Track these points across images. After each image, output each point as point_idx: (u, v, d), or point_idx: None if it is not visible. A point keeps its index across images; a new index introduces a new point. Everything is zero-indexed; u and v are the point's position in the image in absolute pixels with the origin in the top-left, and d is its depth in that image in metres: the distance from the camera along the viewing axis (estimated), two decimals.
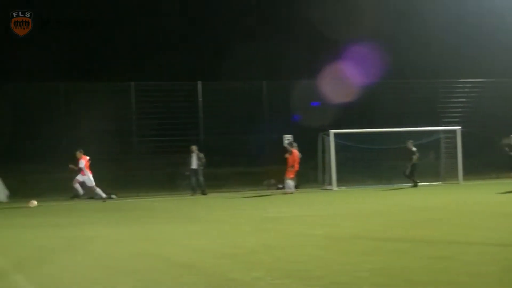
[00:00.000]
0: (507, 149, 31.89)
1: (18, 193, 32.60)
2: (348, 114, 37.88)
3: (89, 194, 30.51)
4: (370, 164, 35.16)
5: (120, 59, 51.81)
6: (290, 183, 31.69)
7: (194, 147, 33.23)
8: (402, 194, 28.22)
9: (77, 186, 30.15)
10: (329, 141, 33.66)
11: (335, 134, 33.69)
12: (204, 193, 32.52)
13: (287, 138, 34.71)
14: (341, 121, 36.10)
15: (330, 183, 33.70)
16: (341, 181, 33.93)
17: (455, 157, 34.89)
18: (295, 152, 31.87)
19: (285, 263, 10.48)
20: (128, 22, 55.32)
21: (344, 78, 40.46)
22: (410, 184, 33.20)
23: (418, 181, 33.14)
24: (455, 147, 35.06)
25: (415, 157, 33.11)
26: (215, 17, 58.80)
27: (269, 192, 33.34)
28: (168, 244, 13.55)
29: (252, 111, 37.18)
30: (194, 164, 32.95)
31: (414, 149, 33.21)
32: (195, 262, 10.86)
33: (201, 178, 33.01)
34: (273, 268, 10.02)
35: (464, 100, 37.97)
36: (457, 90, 38.33)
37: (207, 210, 23.21)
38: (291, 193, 31.10)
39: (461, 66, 46.59)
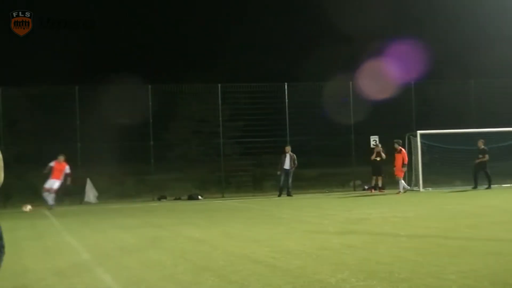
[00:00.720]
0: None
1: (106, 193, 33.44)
2: (433, 114, 37.32)
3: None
4: (457, 165, 34.44)
5: (200, 60, 52.34)
6: (403, 182, 31.69)
7: (288, 148, 33.15)
8: (490, 195, 27.62)
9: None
10: (416, 142, 33.25)
11: (422, 135, 33.28)
12: (289, 195, 32.41)
13: (374, 139, 34.50)
14: (426, 121, 35.64)
15: (416, 184, 33.32)
16: (427, 182, 33.52)
17: None
18: (404, 151, 31.77)
19: (370, 264, 10.43)
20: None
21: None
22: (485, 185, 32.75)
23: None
24: None
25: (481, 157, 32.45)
26: (299, 17, 58.93)
27: (355, 193, 33.18)
28: (253, 244, 13.62)
29: (338, 111, 36.96)
30: (287, 164, 32.87)
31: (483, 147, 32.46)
32: (280, 263, 10.91)
33: (291, 180, 32.89)
34: (358, 269, 9.99)
35: None
36: None
37: (293, 211, 23.21)
38: (405, 192, 31.17)
39: None
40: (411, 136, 34.04)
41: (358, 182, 35.99)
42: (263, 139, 34.51)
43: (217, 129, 35.23)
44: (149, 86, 34.34)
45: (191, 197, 32.64)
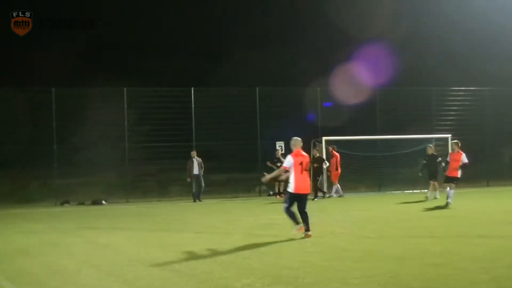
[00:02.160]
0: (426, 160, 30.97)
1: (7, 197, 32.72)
2: (338, 121, 37.91)
3: None
4: (363, 171, 35.01)
5: (116, 62, 51.85)
6: (339, 187, 32.38)
7: (194, 152, 32.65)
8: (396, 201, 28.13)
9: None
10: (321, 148, 33.53)
11: (327, 141, 33.56)
12: (199, 200, 32.12)
13: (279, 145, 34.65)
14: (331, 127, 36.13)
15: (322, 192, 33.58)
16: (332, 189, 33.83)
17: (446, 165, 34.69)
18: (337, 154, 32.12)
19: (275, 269, 10.49)
20: (123, 25, 55.36)
21: (350, 81, 40.63)
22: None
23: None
24: (446, 155, 34.83)
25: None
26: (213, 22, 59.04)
27: (261, 198, 33.29)
28: (159, 249, 13.54)
29: (245, 117, 37.10)
30: (196, 169, 32.52)
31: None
32: (185, 268, 10.86)
33: (203, 184, 32.48)
34: (263, 274, 10.02)
35: (456, 108, 38.01)
36: (450, 98, 38.38)
37: (200, 216, 23.14)
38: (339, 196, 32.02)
39: (454, 74, 46.83)
40: (316, 142, 34.26)
41: (263, 187, 36.09)
42: (170, 144, 34.24)
43: (123, 133, 34.81)
44: (53, 89, 33.67)
45: (95, 202, 32.17)
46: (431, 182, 28.52)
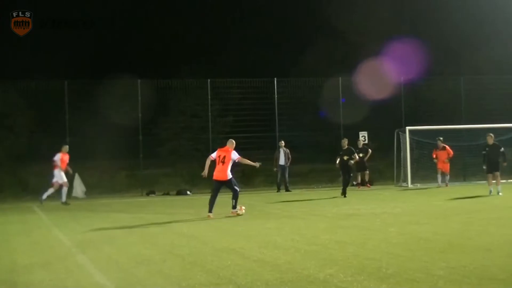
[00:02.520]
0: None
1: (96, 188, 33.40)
2: (423, 111, 37.49)
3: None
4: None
5: (199, 54, 52.33)
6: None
7: (282, 142, 32.65)
8: (480, 191, 27.59)
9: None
10: (404, 138, 33.25)
11: (411, 130, 33.28)
12: (288, 190, 32.18)
13: (363, 135, 34.50)
14: (416, 117, 35.74)
15: (405, 180, 33.33)
16: (416, 178, 33.53)
17: None
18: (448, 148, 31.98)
19: (358, 260, 10.46)
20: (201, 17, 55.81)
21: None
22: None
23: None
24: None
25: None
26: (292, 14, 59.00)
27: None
28: (242, 239, 13.63)
29: (328, 107, 37.03)
30: (282, 160, 32.57)
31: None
32: (268, 258, 10.92)
33: (287, 175, 32.53)
34: (346, 265, 10.01)
35: None
36: None
37: (283, 206, 23.20)
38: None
39: None
40: (400, 132, 34.02)
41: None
42: (253, 134, 34.39)
43: (206, 124, 35.17)
44: (139, 81, 34.26)
45: (180, 192, 32.58)
46: (491, 174, 25.92)
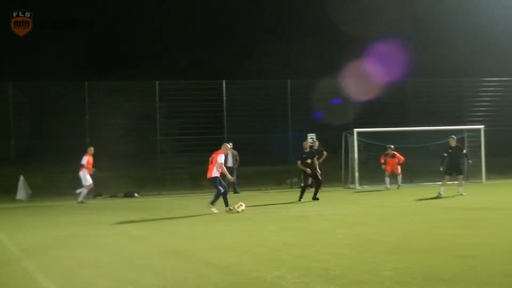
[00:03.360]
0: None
1: (41, 191, 32.91)
2: (371, 113, 37.77)
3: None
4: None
5: (141, 58, 52.09)
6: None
7: (230, 144, 32.47)
8: (426, 193, 27.93)
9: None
10: (352, 140, 33.46)
11: (358, 133, 33.50)
12: (236, 192, 32.08)
13: (311, 137, 34.61)
14: (364, 119, 35.98)
15: (353, 182, 33.56)
16: (364, 180, 33.79)
17: (479, 156, 34.37)
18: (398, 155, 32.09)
19: (306, 261, 10.48)
20: (145, 21, 55.58)
21: (367, 76, 40.41)
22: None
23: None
24: (479, 146, 34.59)
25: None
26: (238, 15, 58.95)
27: (292, 191, 33.21)
28: (190, 241, 13.59)
29: (276, 110, 37.13)
30: (230, 162, 32.35)
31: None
32: (217, 260, 10.89)
33: (235, 177, 32.40)
34: (294, 266, 10.02)
35: (488, 99, 37.69)
36: (481, 89, 38.03)
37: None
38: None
39: (486, 65, 46.39)
40: (348, 134, 34.24)
41: (295, 180, 36.05)
42: (201, 136, 34.29)
43: (154, 126, 34.97)
44: (86, 83, 33.92)
45: (128, 195, 32.36)
46: (448, 176, 26.04)
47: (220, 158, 21.39)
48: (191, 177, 36.02)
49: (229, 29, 59.65)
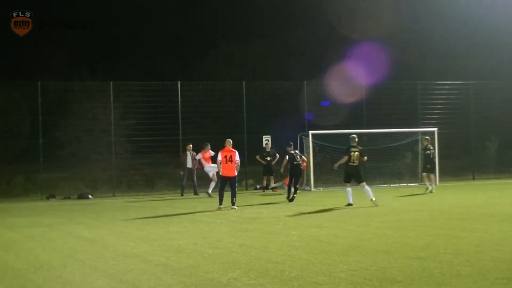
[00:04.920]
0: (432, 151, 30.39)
1: None
2: (327, 115, 38.09)
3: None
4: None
5: (95, 58, 51.78)
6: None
7: (190, 146, 32.50)
8: (378, 195, 28.15)
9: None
10: (307, 142, 33.55)
11: (314, 135, 33.63)
12: (196, 193, 31.90)
13: (266, 139, 34.69)
14: (320, 121, 36.24)
15: (308, 184, 33.66)
16: (319, 182, 33.91)
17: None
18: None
19: (261, 263, 10.50)
20: (107, 20, 55.24)
21: (325, 78, 40.78)
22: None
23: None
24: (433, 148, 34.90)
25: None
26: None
27: (247, 192, 33.26)
28: (144, 243, 13.51)
29: (232, 111, 37.18)
30: (190, 163, 32.39)
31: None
32: (171, 262, 10.86)
33: (195, 178, 32.31)
34: (249, 268, 10.04)
35: (442, 102, 38.18)
36: (435, 92, 38.54)
37: (186, 210, 23.08)
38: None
39: (440, 68, 47.07)
40: (303, 136, 34.34)
41: (250, 181, 36.14)
42: (156, 138, 34.19)
43: (108, 127, 34.72)
44: (39, 83, 33.54)
45: (81, 196, 32.09)
46: (427, 174, 28.87)
47: (237, 156, 22.84)
48: (145, 178, 35.86)
49: (187, 30, 59.65)
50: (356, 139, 23.42)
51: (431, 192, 27.98)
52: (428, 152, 28.88)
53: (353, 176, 22.96)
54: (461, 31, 51.28)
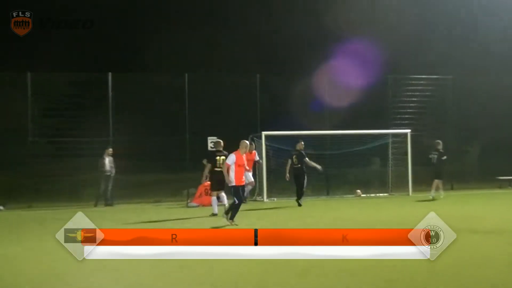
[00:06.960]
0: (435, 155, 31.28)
1: None
2: (283, 114, 38.16)
3: None
4: (309, 172, 34.38)
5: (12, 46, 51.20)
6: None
7: (110, 150, 32.41)
8: (341, 206, 28.30)
9: None
10: (260, 145, 33.21)
11: (267, 136, 33.32)
12: (110, 204, 31.77)
13: (212, 141, 34.49)
14: (274, 121, 36.25)
15: (260, 194, 33.37)
16: (273, 192, 33.64)
17: (404, 165, 34.93)
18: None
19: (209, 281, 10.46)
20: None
21: (279, 73, 40.92)
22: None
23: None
24: (405, 153, 35.11)
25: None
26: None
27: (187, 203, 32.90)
28: (69, 262, 13.37)
29: (172, 109, 36.96)
30: (108, 168, 32.35)
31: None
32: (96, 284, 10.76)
33: (111, 187, 32.20)
34: None
35: (416, 99, 38.21)
36: (408, 87, 38.48)
37: (114, 223, 22.85)
38: None
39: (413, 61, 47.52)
40: (255, 138, 33.86)
41: (192, 190, 35.67)
42: (82, 139, 33.88)
43: (24, 127, 34.22)
44: None
45: None
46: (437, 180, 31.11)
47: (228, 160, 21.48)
48: (67, 186, 35.48)
49: (123, 17, 59.36)
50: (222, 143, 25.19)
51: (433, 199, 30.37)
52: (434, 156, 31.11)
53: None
54: (439, 18, 51.89)
